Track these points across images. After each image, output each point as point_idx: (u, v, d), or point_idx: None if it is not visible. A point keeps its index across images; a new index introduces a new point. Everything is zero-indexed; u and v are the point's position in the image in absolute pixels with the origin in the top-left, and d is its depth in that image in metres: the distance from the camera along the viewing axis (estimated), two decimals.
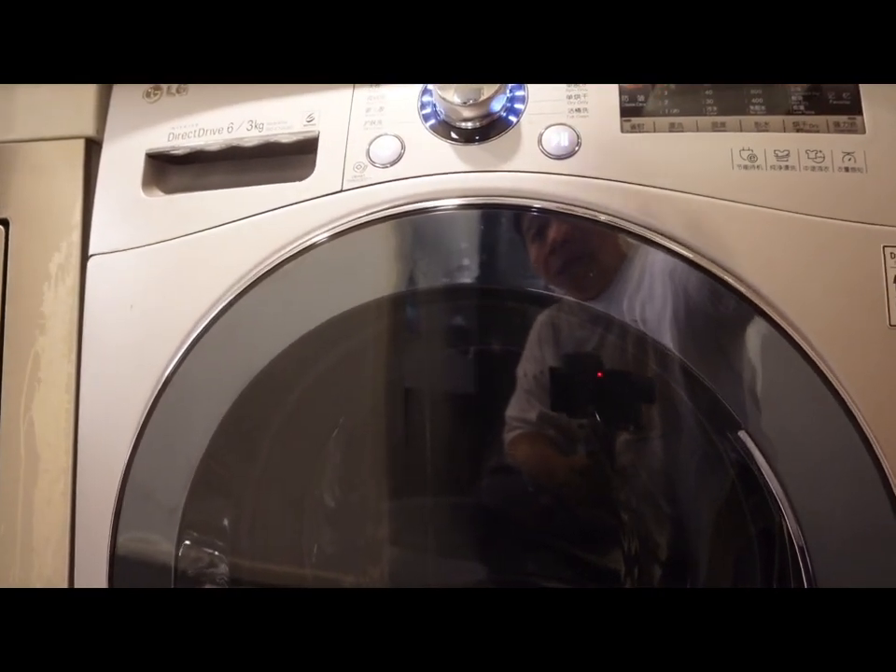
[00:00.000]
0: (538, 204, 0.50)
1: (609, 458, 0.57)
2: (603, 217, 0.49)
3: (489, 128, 0.53)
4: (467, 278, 0.50)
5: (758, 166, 0.49)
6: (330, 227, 0.53)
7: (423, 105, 0.55)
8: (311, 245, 0.52)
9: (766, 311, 0.45)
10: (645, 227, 0.49)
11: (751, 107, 0.51)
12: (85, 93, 0.64)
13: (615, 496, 0.58)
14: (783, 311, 0.46)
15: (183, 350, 0.55)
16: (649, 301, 0.47)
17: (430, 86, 0.52)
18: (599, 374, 0.54)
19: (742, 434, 0.44)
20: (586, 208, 0.50)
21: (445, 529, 0.62)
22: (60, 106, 0.64)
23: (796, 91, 0.51)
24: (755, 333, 0.45)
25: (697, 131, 0.51)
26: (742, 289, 0.46)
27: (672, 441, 0.54)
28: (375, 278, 0.51)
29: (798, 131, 0.50)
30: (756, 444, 0.43)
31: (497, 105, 0.52)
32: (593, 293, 0.48)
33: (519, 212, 0.50)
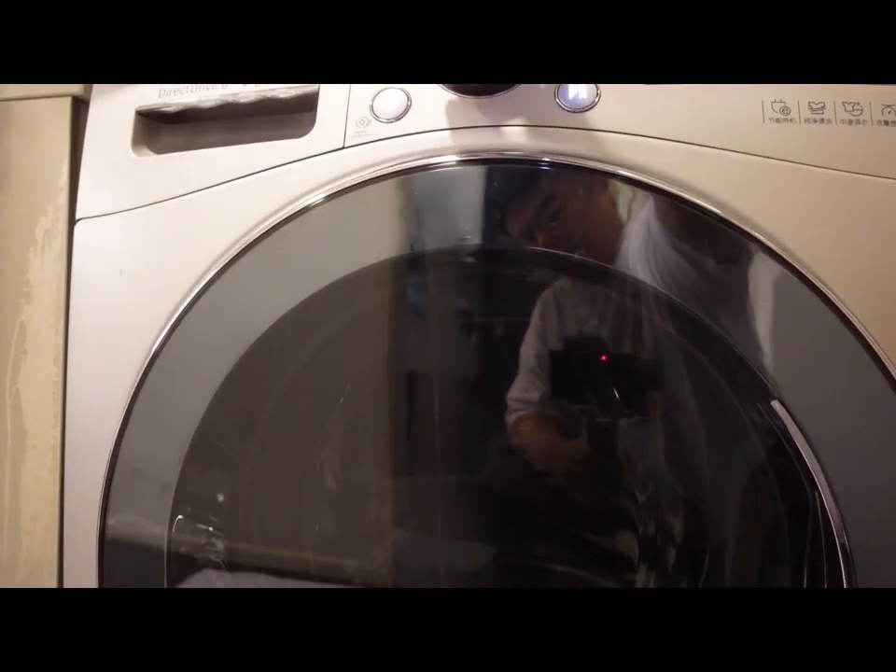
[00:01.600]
0: (552, 160, 0.46)
1: (618, 437, 0.54)
2: (624, 173, 0.45)
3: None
4: (475, 239, 0.47)
5: (791, 119, 0.46)
6: (331, 186, 0.49)
7: None
8: (309, 206, 0.49)
9: (802, 272, 0.42)
10: (670, 182, 0.45)
11: None
12: None
13: (626, 475, 0.56)
14: (819, 273, 0.42)
15: (175, 318, 0.51)
16: (671, 261, 0.44)
17: None
18: (604, 356, 0.51)
19: (776, 404, 0.41)
20: (606, 162, 0.46)
21: (450, 510, 0.59)
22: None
23: None
24: (788, 295, 0.42)
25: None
26: (775, 248, 0.43)
27: (690, 413, 0.51)
28: (378, 240, 0.48)
29: None
30: (790, 415, 0.40)
31: None
32: (610, 253, 0.45)
33: (532, 168, 0.47)
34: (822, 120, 0.46)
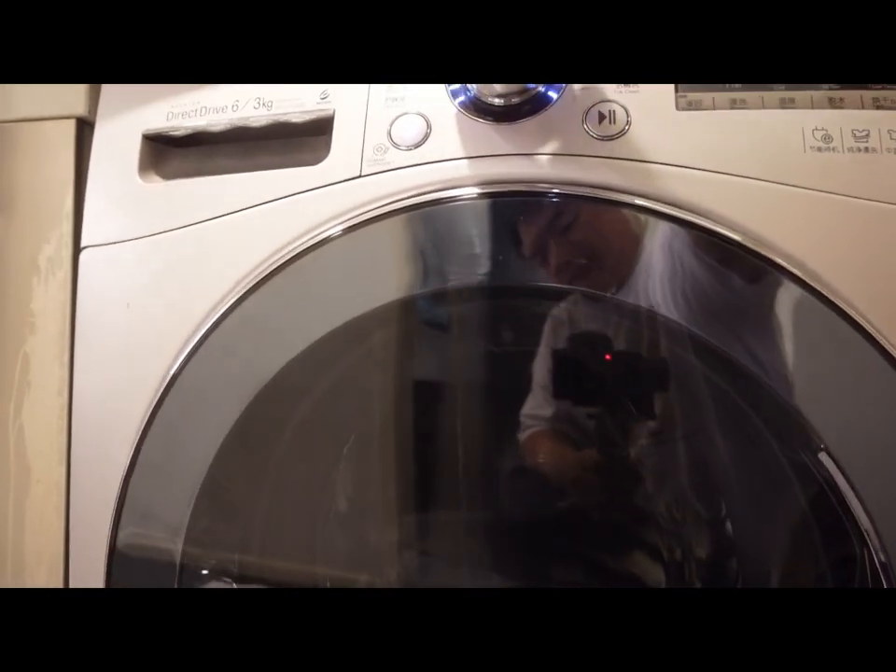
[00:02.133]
0: (580, 192, 0.44)
1: (634, 453, 0.52)
2: (655, 207, 0.43)
3: (526, 105, 0.47)
4: (498, 277, 0.44)
5: (834, 148, 0.43)
6: (348, 217, 0.47)
7: None
8: (325, 239, 0.47)
9: (848, 312, 0.40)
10: (704, 216, 0.43)
11: None
12: None
13: (643, 493, 0.53)
14: (866, 314, 0.40)
15: (185, 354, 0.49)
16: (706, 300, 0.42)
17: None
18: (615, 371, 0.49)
19: (823, 456, 0.38)
20: (637, 195, 0.44)
21: (463, 538, 0.57)
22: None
23: None
24: (833, 337, 0.40)
25: (763, 108, 0.45)
26: (819, 287, 0.41)
27: (717, 449, 0.49)
28: (397, 277, 0.46)
29: (878, 107, 0.44)
30: (839, 467, 0.38)
31: None
32: (641, 291, 0.43)
33: (559, 202, 0.44)
34: (867, 149, 0.43)
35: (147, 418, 0.50)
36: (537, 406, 0.54)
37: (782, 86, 0.45)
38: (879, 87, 0.45)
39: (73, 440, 0.54)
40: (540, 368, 0.53)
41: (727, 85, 0.46)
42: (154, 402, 0.50)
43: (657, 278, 0.42)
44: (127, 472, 0.51)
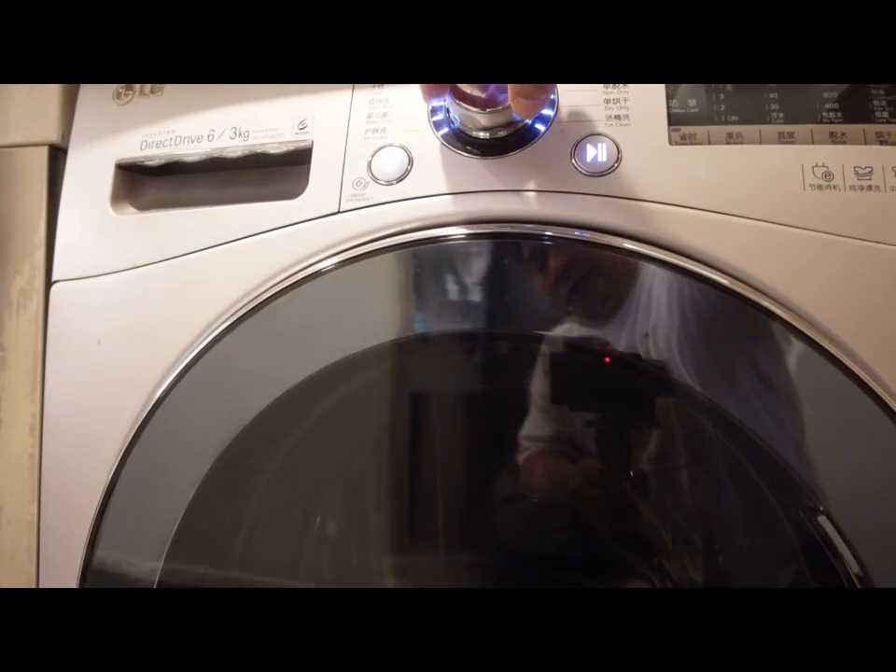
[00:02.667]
0: (565, 234, 0.42)
1: (633, 484, 0.50)
2: (647, 251, 0.41)
3: (512, 139, 0.45)
4: (481, 323, 0.42)
5: (835, 186, 0.41)
6: (325, 256, 0.45)
7: (434, 111, 0.47)
8: (301, 280, 0.44)
9: (856, 371, 0.37)
10: (700, 261, 0.41)
11: (824, 114, 0.43)
12: (48, 93, 0.56)
13: (638, 523, 0.51)
14: (876, 371, 0.38)
15: (158, 395, 0.47)
16: (701, 351, 0.40)
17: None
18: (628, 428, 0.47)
19: (822, 519, 0.36)
20: (627, 237, 0.42)
21: (459, 578, 0.55)
22: (18, 108, 0.57)
23: (878, 95, 0.43)
24: (839, 398, 0.37)
25: (760, 143, 0.43)
26: (819, 340, 0.38)
27: (711, 489, 0.47)
28: (377, 320, 0.44)
29: (882, 143, 0.42)
30: (839, 531, 0.36)
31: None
32: (631, 340, 0.41)
33: (545, 243, 0.42)
34: (870, 187, 0.41)
35: (117, 463, 0.48)
36: (535, 428, 0.52)
37: (780, 119, 0.43)
38: (883, 121, 0.43)
39: (42, 481, 0.52)
40: (537, 388, 0.51)
41: (723, 118, 0.44)
42: (124, 447, 0.48)
43: (650, 327, 0.40)
44: (97, 516, 0.49)
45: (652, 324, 0.40)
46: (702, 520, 0.49)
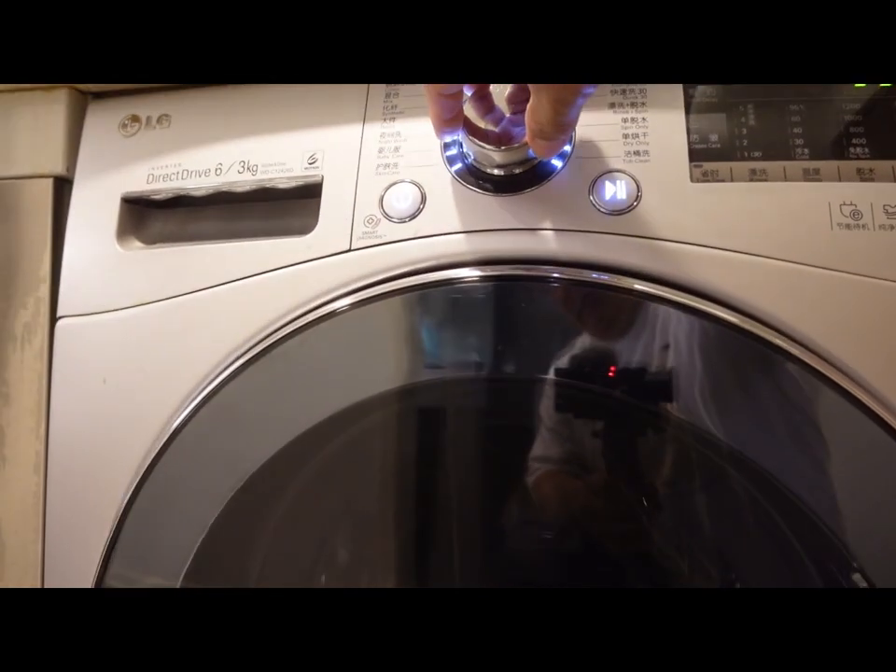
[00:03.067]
0: (588, 277, 0.40)
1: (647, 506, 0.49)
2: (669, 295, 0.39)
3: (528, 175, 0.43)
4: (494, 368, 0.41)
5: (864, 225, 0.40)
6: (336, 296, 0.44)
7: (447, 146, 0.45)
8: (311, 322, 0.43)
9: (880, 413, 0.36)
10: (725, 305, 0.39)
11: (851, 149, 0.42)
12: (53, 123, 0.56)
13: (652, 546, 0.50)
14: None
15: (165, 439, 0.46)
16: (726, 400, 0.38)
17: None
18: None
19: (857, 577, 0.34)
20: (648, 280, 0.40)
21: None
22: (23, 139, 0.56)
23: None
24: (876, 452, 0.36)
25: (785, 180, 0.41)
26: (850, 387, 0.37)
27: (741, 549, 0.45)
28: (389, 364, 0.42)
29: None
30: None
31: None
32: (653, 389, 0.39)
33: (564, 287, 0.41)
34: None
35: (123, 506, 0.47)
36: (545, 448, 0.51)
37: (805, 155, 0.42)
38: None
39: (47, 521, 0.51)
40: (546, 409, 0.49)
41: (746, 154, 0.42)
42: (132, 488, 0.47)
43: (672, 374, 0.38)
44: (104, 557, 0.48)
45: (672, 368, 0.39)
46: (724, 565, 0.48)
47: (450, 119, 0.41)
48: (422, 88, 0.46)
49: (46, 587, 0.51)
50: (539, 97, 0.36)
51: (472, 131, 0.42)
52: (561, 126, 0.37)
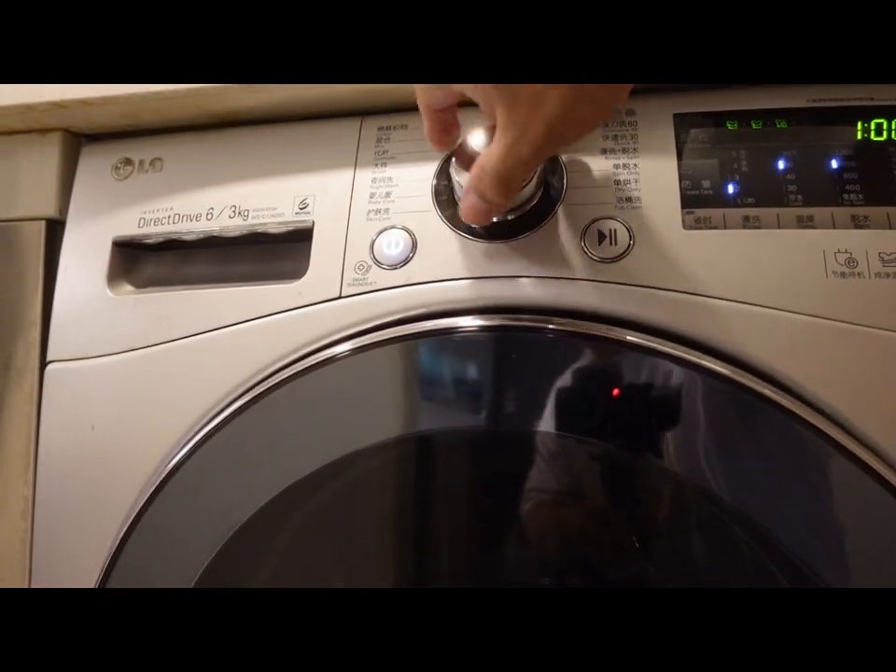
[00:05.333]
0: (580, 329, 0.40)
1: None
2: (662, 348, 0.39)
3: (521, 222, 0.43)
4: (487, 421, 0.40)
5: (859, 273, 0.39)
6: (325, 344, 0.43)
7: (438, 192, 0.45)
8: (302, 371, 0.43)
9: (882, 474, 0.35)
10: (718, 357, 0.39)
11: (845, 196, 0.41)
12: (47, 166, 0.56)
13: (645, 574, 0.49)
14: None
15: (153, 488, 0.45)
16: (725, 458, 0.37)
17: (451, 170, 0.43)
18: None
19: None
20: (639, 331, 0.40)
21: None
22: (15, 181, 0.56)
23: None
24: (871, 503, 0.35)
25: (779, 227, 0.41)
26: (844, 441, 0.36)
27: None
28: (379, 416, 0.42)
29: None
30: None
31: (527, 194, 0.42)
32: (651, 444, 0.38)
33: (555, 339, 0.40)
34: None
35: (111, 555, 0.46)
36: (541, 480, 0.50)
37: (799, 202, 0.42)
38: None
39: (33, 569, 0.50)
40: (544, 444, 0.49)
41: (739, 201, 0.42)
42: (119, 537, 0.46)
43: (667, 427, 0.38)
44: None
45: (668, 421, 0.38)
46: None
47: (442, 132, 0.40)
48: (411, 124, 0.47)
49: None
50: (506, 132, 0.33)
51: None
52: (506, 177, 0.35)
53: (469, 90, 0.34)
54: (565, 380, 0.39)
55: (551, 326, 0.39)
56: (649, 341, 0.38)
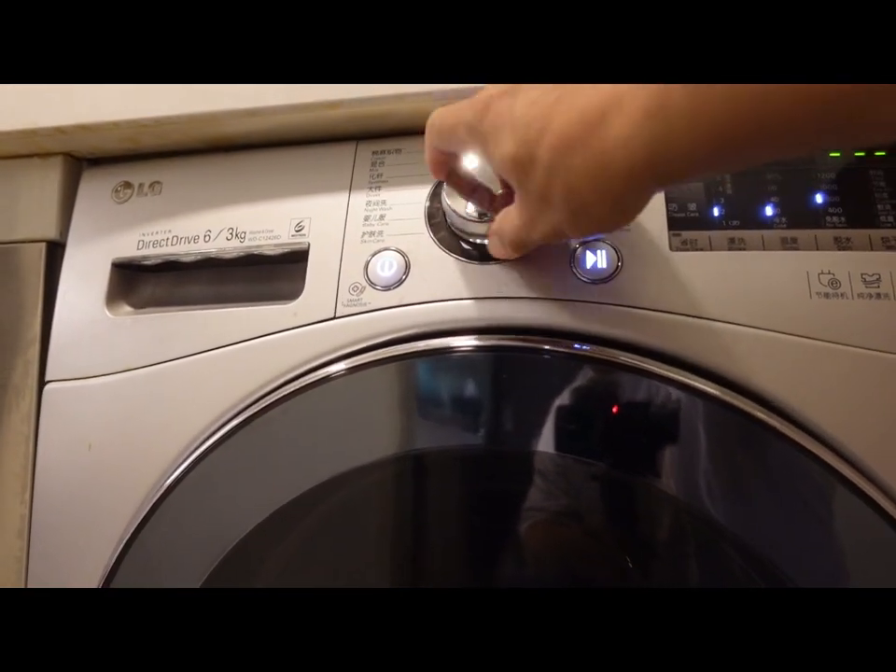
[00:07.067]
0: (570, 350, 0.40)
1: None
2: (653, 369, 0.39)
3: None
4: (482, 439, 0.41)
5: (842, 294, 0.40)
6: (320, 364, 0.44)
7: (430, 215, 0.46)
8: (297, 391, 0.43)
9: (871, 495, 0.36)
10: (706, 372, 0.39)
11: (828, 218, 0.42)
12: (48, 189, 0.57)
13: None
14: (892, 488, 0.36)
15: (148, 507, 0.46)
16: (718, 480, 0.38)
17: (443, 193, 0.44)
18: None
19: None
20: (631, 348, 0.40)
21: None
22: (17, 204, 0.57)
23: (882, 199, 0.42)
24: (864, 526, 0.36)
25: (764, 248, 0.42)
26: (829, 460, 0.37)
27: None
28: (373, 436, 0.42)
29: (889, 248, 0.41)
30: None
31: None
32: (647, 466, 0.39)
33: (547, 360, 0.41)
34: (878, 295, 0.40)
35: (107, 572, 0.46)
36: (542, 499, 0.50)
37: (783, 224, 0.43)
38: (889, 226, 0.42)
39: (29, 584, 0.50)
40: (544, 465, 0.49)
41: (724, 223, 0.43)
42: (115, 556, 0.46)
43: (656, 447, 0.38)
44: None
45: (662, 442, 0.39)
46: None
47: (443, 163, 0.41)
48: (405, 148, 0.48)
49: None
50: (520, 213, 0.36)
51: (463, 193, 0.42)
52: (520, 246, 0.39)
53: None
54: (560, 399, 0.40)
55: (546, 346, 0.40)
56: (641, 361, 0.39)
